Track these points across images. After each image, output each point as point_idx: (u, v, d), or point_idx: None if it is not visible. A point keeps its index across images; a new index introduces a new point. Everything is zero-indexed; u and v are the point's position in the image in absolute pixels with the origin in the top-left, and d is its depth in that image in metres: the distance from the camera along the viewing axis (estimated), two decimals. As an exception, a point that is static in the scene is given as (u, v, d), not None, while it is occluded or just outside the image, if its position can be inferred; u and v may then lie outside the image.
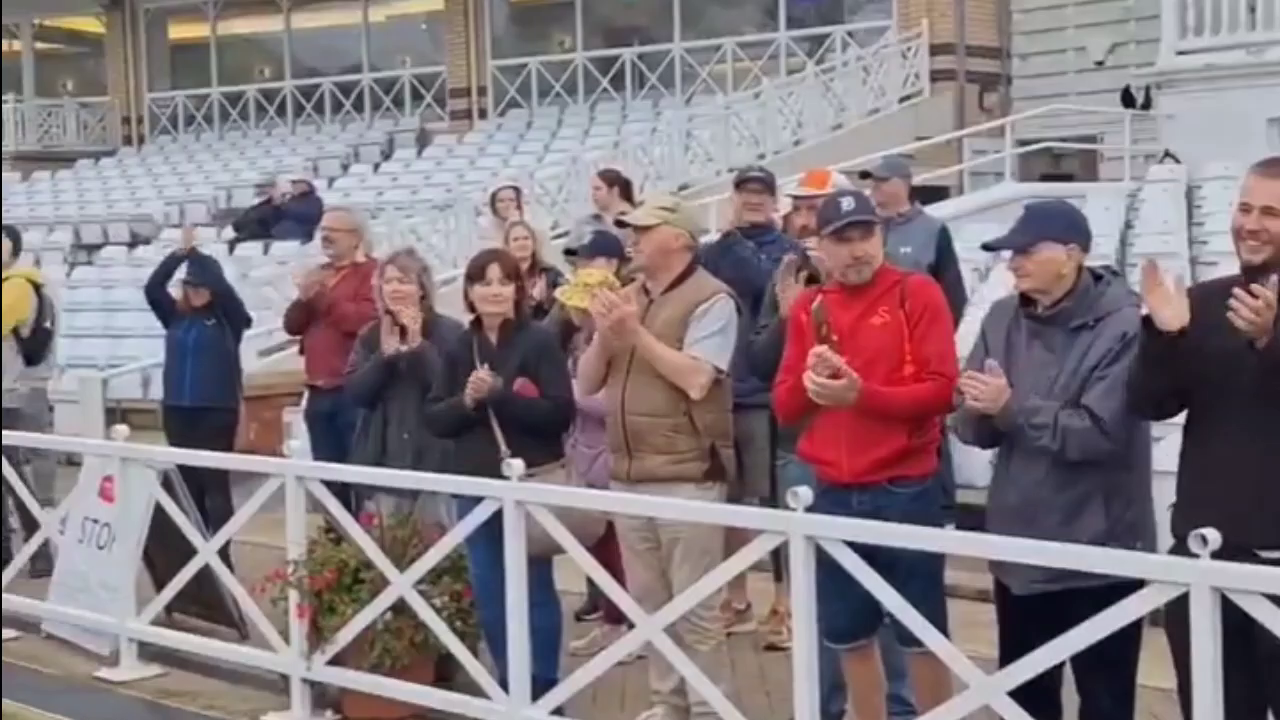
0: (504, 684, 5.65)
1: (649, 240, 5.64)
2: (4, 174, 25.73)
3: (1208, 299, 4.03)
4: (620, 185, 9.44)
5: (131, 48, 28.03)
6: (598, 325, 5.59)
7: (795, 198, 6.50)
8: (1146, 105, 18.92)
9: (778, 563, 6.60)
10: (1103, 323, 4.42)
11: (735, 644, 6.62)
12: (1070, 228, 4.55)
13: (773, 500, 6.35)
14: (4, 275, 9.11)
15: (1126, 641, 4.23)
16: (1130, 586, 3.99)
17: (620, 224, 6.08)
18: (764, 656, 6.83)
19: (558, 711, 5.60)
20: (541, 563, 5.84)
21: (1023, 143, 18.35)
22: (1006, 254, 4.66)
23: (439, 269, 13.84)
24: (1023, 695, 4.20)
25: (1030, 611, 4.39)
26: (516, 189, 11.26)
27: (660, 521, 5.54)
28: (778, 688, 5.94)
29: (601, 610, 7.15)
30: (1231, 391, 3.98)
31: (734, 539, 5.62)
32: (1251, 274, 3.99)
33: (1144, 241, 13.33)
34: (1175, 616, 3.91)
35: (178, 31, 28.54)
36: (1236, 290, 3.86)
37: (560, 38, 24.69)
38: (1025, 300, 4.56)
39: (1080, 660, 4.23)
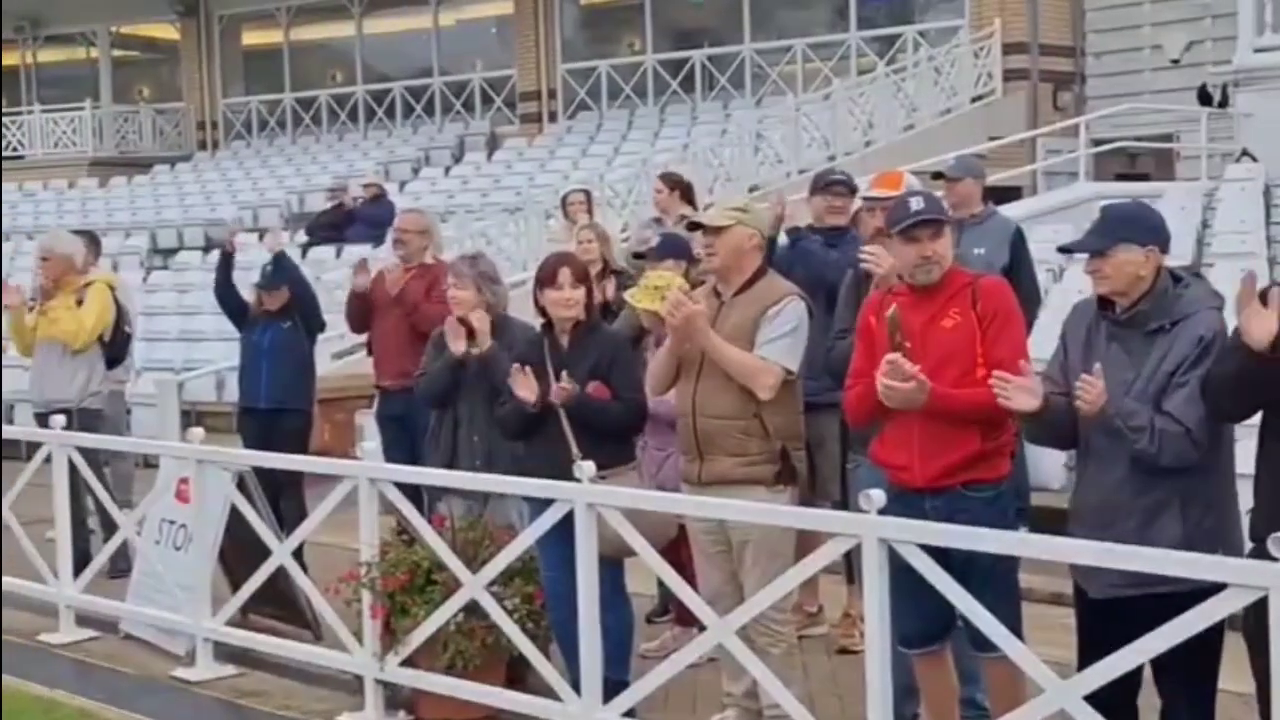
0: (575, 686, 5.66)
1: (723, 242, 5.61)
2: (82, 180, 26.23)
3: None
4: (681, 188, 9.44)
5: (206, 54, 28.38)
6: (667, 326, 5.58)
7: (868, 199, 6.46)
8: (1224, 103, 18.67)
9: (850, 566, 6.57)
10: (1180, 325, 4.37)
11: (807, 647, 6.61)
12: (1148, 230, 4.49)
13: (844, 504, 6.33)
14: (86, 280, 9.24)
15: (1205, 648, 4.16)
16: (1210, 594, 3.93)
17: (693, 226, 6.06)
18: (836, 660, 6.80)
19: (629, 714, 5.61)
20: (613, 565, 5.84)
21: (1097, 142, 18.16)
22: (1081, 256, 4.61)
23: (509, 272, 13.97)
24: (1099, 700, 4.15)
25: (1107, 615, 4.35)
26: (587, 192, 11.27)
27: (731, 524, 5.53)
28: (850, 691, 5.91)
29: (673, 612, 7.15)
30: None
31: (805, 542, 5.60)
32: None
33: (1221, 241, 13.16)
34: (1254, 620, 3.85)
35: (251, 38, 28.87)
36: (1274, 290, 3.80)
37: (630, 40, 24.73)
38: (1103, 302, 4.51)
39: (1159, 666, 4.18)
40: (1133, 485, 4.34)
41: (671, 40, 24.20)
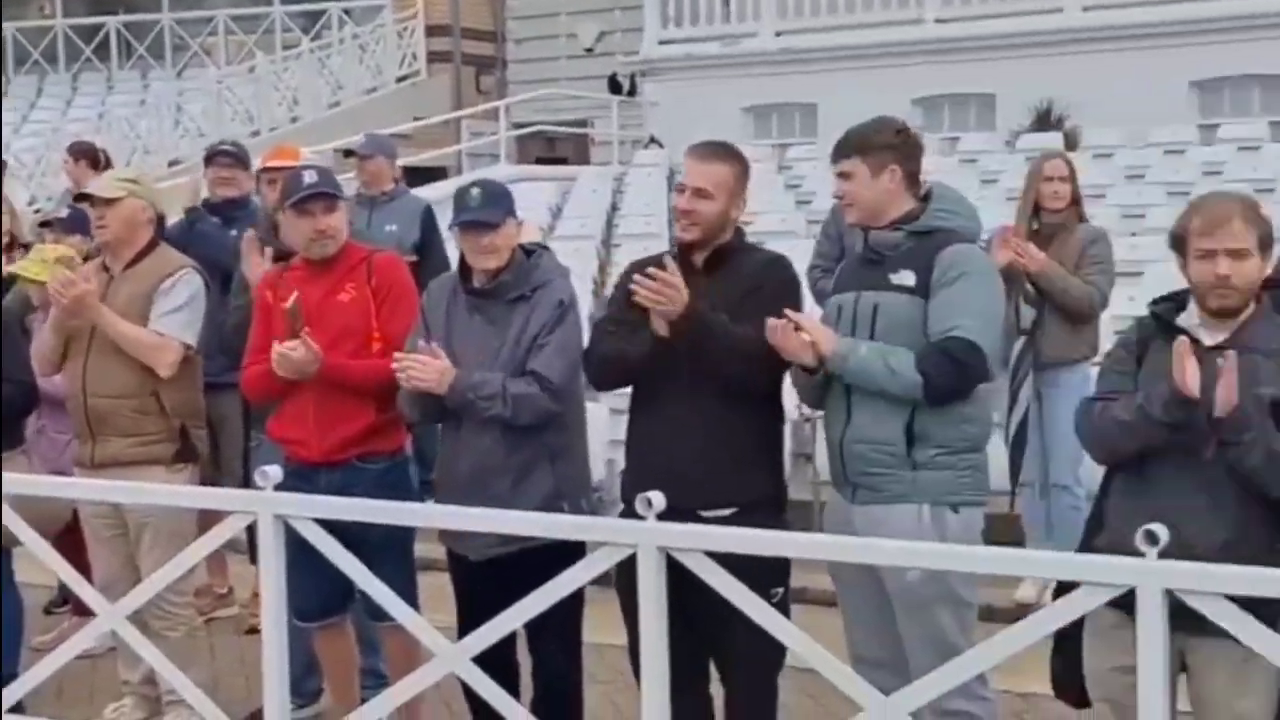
0: (-42, 684, 5.30)
1: (115, 213, 5.43)
2: None
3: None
4: (90, 159, 9.08)
5: None
6: (54, 303, 5.33)
7: (265, 170, 6.41)
8: (632, 92, 19.73)
9: (253, 545, 6.50)
10: (539, 293, 4.59)
11: (217, 629, 6.56)
12: (513, 203, 4.71)
13: (247, 483, 6.24)
14: None
15: (572, 600, 4.40)
16: (580, 546, 4.17)
17: (80, 197, 5.81)
18: (245, 640, 6.70)
19: (17, 708, 5.31)
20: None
21: (518, 125, 18.76)
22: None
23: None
24: (486, 659, 4.30)
25: (487, 577, 4.51)
26: (1, 162, 10.58)
27: (128, 507, 5.35)
28: (257, 670, 5.74)
29: (71, 603, 6.84)
30: (670, 367, 4.21)
31: (210, 522, 5.48)
32: (687, 252, 4.27)
33: (628, 222, 13.92)
34: (625, 577, 4.09)
35: None
36: (636, 275, 4.09)
37: (40, 3, 23.37)
38: (463, 276, 4.67)
39: (532, 623, 4.37)
40: (504, 446, 4.52)
41: (85, 6, 23.08)
